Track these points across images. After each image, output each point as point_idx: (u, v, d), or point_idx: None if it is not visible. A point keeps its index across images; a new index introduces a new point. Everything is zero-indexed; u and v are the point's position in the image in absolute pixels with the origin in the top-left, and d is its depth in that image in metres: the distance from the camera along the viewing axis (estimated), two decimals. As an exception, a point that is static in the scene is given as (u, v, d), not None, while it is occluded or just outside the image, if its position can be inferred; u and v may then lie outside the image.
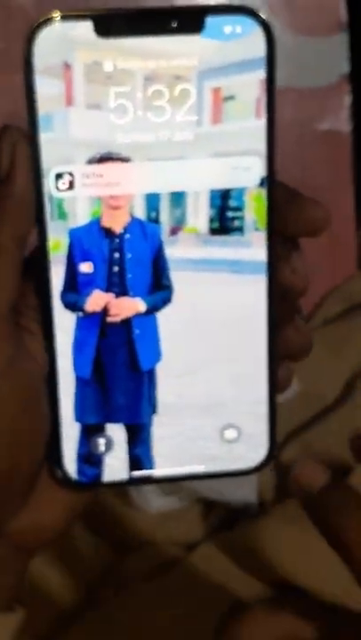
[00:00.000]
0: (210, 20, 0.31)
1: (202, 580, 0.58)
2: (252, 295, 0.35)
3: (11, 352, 0.32)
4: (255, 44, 0.32)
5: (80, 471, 0.35)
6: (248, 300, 0.35)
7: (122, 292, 0.34)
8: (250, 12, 0.31)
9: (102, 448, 0.35)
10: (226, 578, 0.57)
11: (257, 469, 0.36)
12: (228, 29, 0.31)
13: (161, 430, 0.36)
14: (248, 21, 0.31)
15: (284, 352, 0.36)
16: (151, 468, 0.36)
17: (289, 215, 0.34)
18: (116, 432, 0.35)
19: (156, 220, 0.33)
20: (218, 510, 0.63)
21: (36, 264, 0.33)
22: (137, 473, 0.36)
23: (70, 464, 0.35)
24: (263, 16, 0.31)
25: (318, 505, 0.33)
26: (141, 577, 0.59)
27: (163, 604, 0.57)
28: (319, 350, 0.48)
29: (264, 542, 0.58)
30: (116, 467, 0.36)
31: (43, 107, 0.31)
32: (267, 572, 0.58)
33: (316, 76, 0.87)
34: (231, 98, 0.32)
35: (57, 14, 0.31)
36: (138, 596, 0.58)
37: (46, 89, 0.31)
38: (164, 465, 0.36)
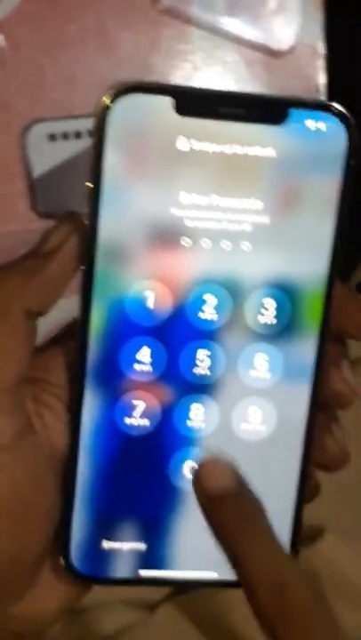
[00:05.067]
0: (293, 113, 0.30)
1: None
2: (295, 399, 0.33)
3: (18, 427, 0.31)
4: (336, 144, 0.30)
5: (85, 563, 0.33)
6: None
7: None
8: (335, 112, 0.30)
9: (115, 541, 0.33)
10: None
11: None
12: (311, 125, 0.30)
13: (179, 529, 0.33)
14: (333, 120, 0.30)
15: (318, 462, 0.34)
16: (163, 568, 0.33)
17: (344, 317, 0.32)
18: (133, 526, 0.33)
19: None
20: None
21: (72, 341, 0.32)
22: (146, 572, 0.33)
23: (76, 555, 0.33)
24: (350, 117, 0.30)
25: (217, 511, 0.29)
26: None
27: None
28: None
29: (230, 609, 0.53)
30: (125, 563, 0.33)
31: (108, 178, 0.30)
32: None
33: None
34: (302, 194, 0.31)
35: (137, 85, 0.29)
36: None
37: (115, 160, 0.30)
38: (177, 567, 0.33)
